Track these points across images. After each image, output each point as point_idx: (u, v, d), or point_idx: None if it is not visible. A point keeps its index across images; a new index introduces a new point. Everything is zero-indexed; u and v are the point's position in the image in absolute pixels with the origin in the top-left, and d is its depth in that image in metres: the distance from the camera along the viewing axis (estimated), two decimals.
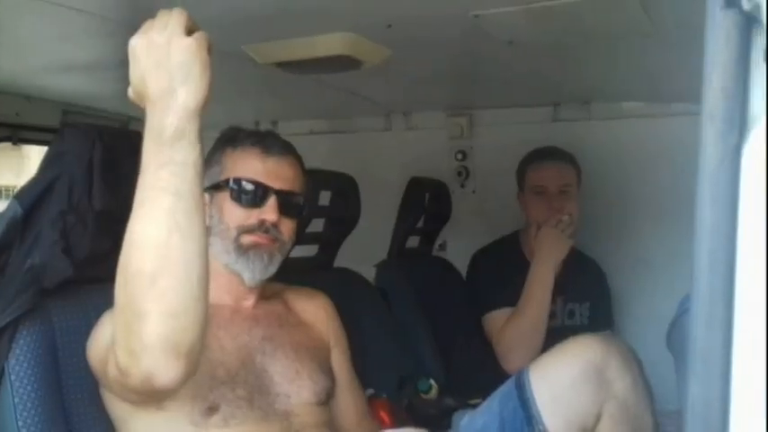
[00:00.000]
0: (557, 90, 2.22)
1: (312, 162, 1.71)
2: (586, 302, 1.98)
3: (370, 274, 2.03)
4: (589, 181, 2.16)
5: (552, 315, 1.92)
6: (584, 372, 1.19)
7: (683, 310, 0.93)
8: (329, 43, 1.60)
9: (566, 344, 1.25)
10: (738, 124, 0.42)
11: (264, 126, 2.63)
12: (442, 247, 2.47)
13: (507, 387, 1.26)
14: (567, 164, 1.96)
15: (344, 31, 1.57)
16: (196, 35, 0.91)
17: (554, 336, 1.48)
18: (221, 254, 1.21)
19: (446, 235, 2.41)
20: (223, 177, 1.24)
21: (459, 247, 2.33)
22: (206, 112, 0.94)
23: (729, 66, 0.43)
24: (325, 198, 1.68)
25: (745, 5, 0.43)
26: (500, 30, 1.52)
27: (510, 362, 1.76)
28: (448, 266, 2.23)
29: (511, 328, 1.78)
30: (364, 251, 2.10)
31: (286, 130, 2.61)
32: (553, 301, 1.91)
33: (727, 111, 0.42)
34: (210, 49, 0.94)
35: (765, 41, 0.42)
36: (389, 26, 1.52)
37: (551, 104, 2.35)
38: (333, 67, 1.73)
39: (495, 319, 1.84)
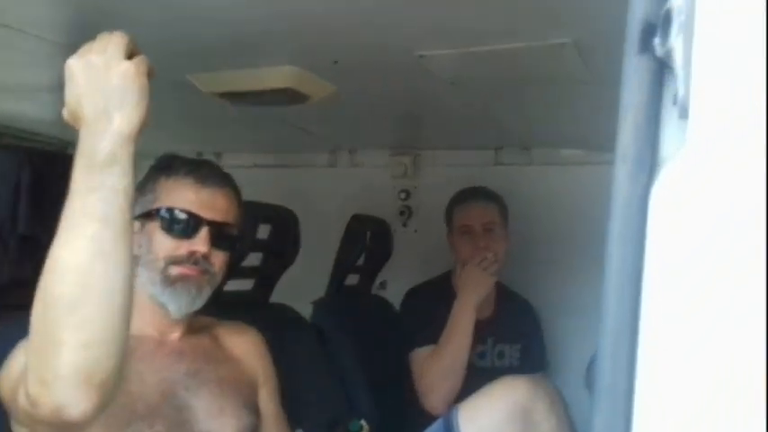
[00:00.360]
0: (498, 134, 2.27)
1: (255, 196, 1.69)
2: (517, 344, 2.00)
3: (308, 311, 2.00)
4: (528, 224, 2.20)
5: (482, 356, 1.93)
6: (511, 413, 1.20)
7: None
8: (274, 76, 1.60)
9: (494, 385, 1.25)
10: (649, 165, 0.43)
11: (208, 158, 2.60)
12: (383, 285, 2.45)
13: (435, 428, 1.25)
14: (491, 203, 2.01)
15: (290, 65, 1.58)
16: (135, 60, 0.91)
17: (484, 377, 1.47)
18: (147, 285, 1.17)
19: (387, 274, 2.40)
20: (155, 206, 1.20)
21: (399, 286, 2.32)
22: (141, 138, 0.93)
23: (641, 109, 0.44)
24: (264, 231, 1.66)
25: (658, 52, 0.44)
26: (443, 70, 1.55)
27: (430, 400, 1.76)
28: (387, 306, 2.22)
29: (431, 364, 1.79)
30: (303, 288, 2.07)
31: (230, 162, 2.58)
32: (483, 341, 1.92)
33: (639, 152, 0.43)
34: (151, 75, 0.93)
35: (675, 86, 0.43)
36: (336, 62, 1.53)
37: (493, 148, 2.40)
38: (278, 100, 1.73)
39: (420, 356, 1.84)
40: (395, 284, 2.43)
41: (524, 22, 1.24)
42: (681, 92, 0.41)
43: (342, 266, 2.01)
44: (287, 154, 2.65)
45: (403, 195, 2.50)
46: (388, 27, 1.29)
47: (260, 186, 2.39)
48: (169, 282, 1.17)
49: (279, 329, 1.57)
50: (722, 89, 0.39)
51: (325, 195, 2.53)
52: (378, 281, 2.38)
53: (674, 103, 0.43)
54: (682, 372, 0.37)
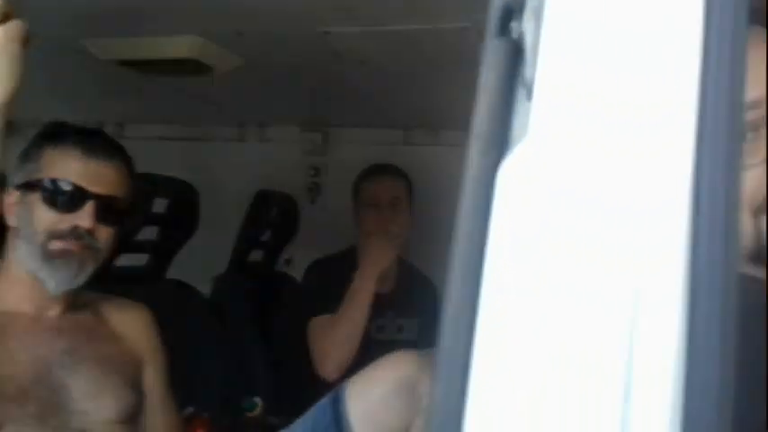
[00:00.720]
0: (408, 114, 2.29)
1: (159, 169, 1.63)
2: (415, 318, 2.04)
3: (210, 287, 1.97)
4: (434, 204, 2.23)
5: (381, 329, 1.96)
6: (397, 386, 1.21)
7: None
8: (176, 45, 1.55)
9: (382, 359, 1.27)
10: (500, 144, 0.44)
11: (110, 129, 2.50)
12: (288, 262, 2.44)
13: (323, 403, 1.25)
14: (397, 179, 2.05)
15: (193, 35, 1.53)
16: (6, 25, 0.85)
17: (382, 350, 1.49)
18: (26, 259, 1.11)
19: (294, 251, 2.39)
20: (38, 176, 1.13)
21: (306, 263, 2.31)
22: (12, 110, 0.87)
23: (495, 89, 0.45)
24: (160, 205, 1.61)
25: (514, 34, 0.46)
26: (349, 49, 1.54)
27: (324, 366, 1.77)
28: (291, 282, 2.21)
29: (328, 331, 1.80)
30: (207, 264, 2.04)
31: (133, 133, 2.49)
32: (383, 314, 1.95)
33: (490, 131, 0.44)
34: (27, 41, 0.87)
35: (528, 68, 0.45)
36: (240, 34, 1.50)
37: (402, 128, 2.42)
38: (180, 70, 1.67)
39: (316, 325, 1.85)
40: (302, 261, 2.42)
41: (427, 3, 1.25)
42: (528, 74, 0.43)
43: (244, 242, 1.99)
44: (194, 127, 2.58)
45: (312, 172, 2.48)
46: (293, 1, 1.28)
47: (165, 159, 2.33)
48: (49, 257, 1.10)
49: (173, 306, 1.53)
50: (560, 72, 0.41)
51: (233, 170, 2.47)
52: (284, 257, 2.37)
53: (523, 85, 0.44)
54: (514, 338, 0.39)
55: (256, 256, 2.14)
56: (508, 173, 0.43)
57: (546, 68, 0.41)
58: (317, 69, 1.77)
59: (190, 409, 1.41)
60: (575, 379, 0.38)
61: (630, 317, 0.38)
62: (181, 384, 1.36)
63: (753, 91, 0.61)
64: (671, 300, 0.38)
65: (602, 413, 0.36)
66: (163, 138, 2.56)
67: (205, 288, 1.93)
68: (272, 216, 2.08)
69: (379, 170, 2.07)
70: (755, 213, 0.61)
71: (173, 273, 1.81)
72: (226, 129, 2.54)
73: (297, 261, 2.43)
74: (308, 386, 1.78)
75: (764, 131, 0.61)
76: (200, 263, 1.98)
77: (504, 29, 0.47)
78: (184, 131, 2.58)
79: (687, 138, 0.39)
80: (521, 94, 0.46)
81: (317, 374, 1.79)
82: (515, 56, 0.47)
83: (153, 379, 1.28)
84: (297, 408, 1.57)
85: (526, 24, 0.44)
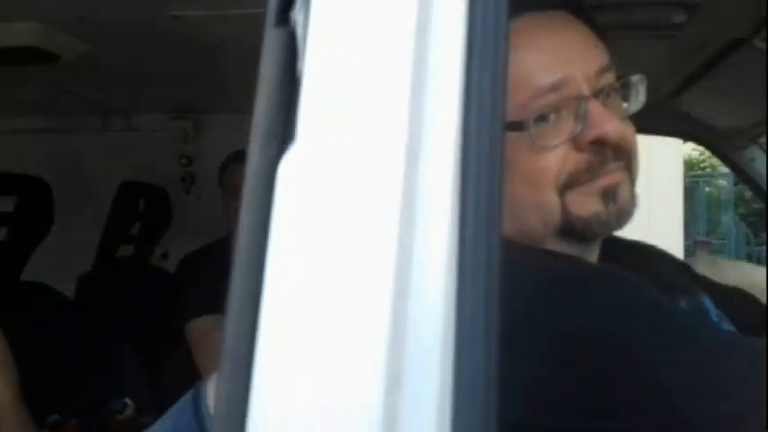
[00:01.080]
0: None
1: (16, 165, 1.52)
2: None
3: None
4: None
5: None
6: None
7: None
8: (13, 32, 1.45)
9: None
10: (280, 137, 0.44)
11: None
12: (165, 256, 2.35)
13: (183, 400, 1.22)
14: None
15: (32, 21, 1.43)
16: None
17: None
18: None
19: (169, 244, 2.31)
20: None
21: (183, 255, 2.24)
22: None
23: (274, 82, 0.44)
24: (7, 204, 1.50)
25: (292, 24, 0.45)
26: (202, 34, 1.49)
27: (210, 370, 1.71)
28: (166, 277, 2.13)
29: (212, 335, 1.74)
30: (72, 263, 1.93)
31: None
32: None
33: (270, 125, 0.44)
34: None
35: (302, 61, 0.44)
36: (82, 20, 1.42)
37: None
38: (23, 59, 1.56)
39: (197, 327, 1.79)
40: (179, 254, 2.34)
41: None
42: (300, 66, 0.42)
43: (110, 237, 1.90)
44: (54, 117, 2.42)
45: (184, 161, 2.39)
46: None
47: (24, 154, 2.18)
48: None
49: (29, 310, 1.44)
50: (327, 65, 0.41)
51: (98, 162, 2.33)
52: (159, 251, 2.28)
53: (298, 77, 0.44)
54: (295, 329, 0.39)
55: (126, 251, 2.04)
56: (286, 167, 0.42)
57: (313, 61, 0.41)
58: (175, 55, 1.70)
59: (55, 417, 1.34)
60: (345, 365, 0.38)
61: (398, 305, 0.38)
62: (43, 392, 1.29)
63: (555, 73, 0.64)
64: (437, 285, 0.39)
65: (369, 400, 0.37)
66: (19, 130, 2.39)
67: (70, 288, 1.83)
68: (139, 208, 2.00)
69: (242, 156, 2.01)
70: (560, 191, 0.64)
71: (33, 275, 1.70)
72: (88, 118, 2.39)
73: (174, 254, 2.35)
74: (185, 384, 1.73)
75: (565, 113, 0.64)
76: (66, 261, 1.88)
77: (282, 19, 0.46)
78: (43, 122, 2.41)
79: (452, 127, 0.40)
80: (300, 86, 0.45)
81: (194, 372, 1.74)
82: (294, 46, 0.46)
83: (1, 394, 1.20)
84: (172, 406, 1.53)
85: (298, 15, 0.44)
